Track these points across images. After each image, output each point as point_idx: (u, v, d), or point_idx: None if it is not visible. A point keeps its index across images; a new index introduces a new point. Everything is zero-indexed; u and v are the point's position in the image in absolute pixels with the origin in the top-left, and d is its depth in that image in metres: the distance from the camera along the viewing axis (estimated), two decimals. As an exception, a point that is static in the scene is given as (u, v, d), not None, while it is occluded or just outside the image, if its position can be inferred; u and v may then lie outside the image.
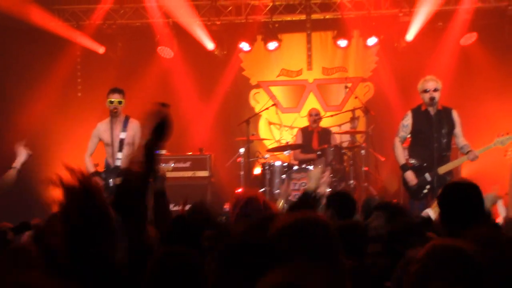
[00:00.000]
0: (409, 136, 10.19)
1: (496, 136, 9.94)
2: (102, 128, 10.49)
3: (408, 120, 10.00)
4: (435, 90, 9.71)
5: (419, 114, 9.92)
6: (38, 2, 13.76)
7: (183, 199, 8.03)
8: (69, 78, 14.85)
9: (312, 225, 3.23)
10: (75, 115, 14.33)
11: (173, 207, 11.80)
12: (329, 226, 3.28)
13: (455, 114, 9.92)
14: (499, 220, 7.53)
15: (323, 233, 3.21)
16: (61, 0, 14.67)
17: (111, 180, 10.39)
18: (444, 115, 9.81)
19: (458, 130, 9.90)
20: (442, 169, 9.71)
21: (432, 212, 7.69)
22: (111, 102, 10.23)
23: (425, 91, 9.73)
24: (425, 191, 9.74)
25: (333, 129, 14.04)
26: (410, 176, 9.78)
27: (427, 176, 9.69)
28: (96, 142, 10.57)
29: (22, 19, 13.44)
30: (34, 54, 14.52)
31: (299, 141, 13.36)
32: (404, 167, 9.91)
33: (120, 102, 10.27)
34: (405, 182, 9.91)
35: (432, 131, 9.72)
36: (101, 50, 14.78)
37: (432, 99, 9.66)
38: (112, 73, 14.10)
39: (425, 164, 9.81)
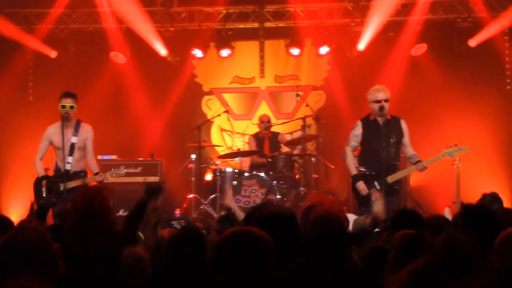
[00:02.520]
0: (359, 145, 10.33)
1: (444, 147, 10.09)
2: (53, 131, 10.46)
3: (358, 130, 10.11)
4: (386, 100, 9.84)
5: (369, 124, 10.04)
6: (-11, 5, 13.65)
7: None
8: (20, 82, 14.72)
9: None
10: (26, 119, 14.22)
11: (122, 213, 11.89)
12: None
13: (403, 124, 10.05)
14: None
15: None
16: (13, 3, 14.50)
17: (61, 184, 10.36)
18: (393, 124, 9.93)
19: (406, 139, 10.03)
20: (391, 178, 9.82)
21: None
22: (63, 107, 10.20)
23: (377, 101, 9.83)
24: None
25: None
26: (361, 186, 9.84)
27: (376, 184, 9.79)
28: (46, 146, 10.55)
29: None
30: (-15, 57, 14.43)
31: (253, 147, 13.43)
32: (356, 177, 9.99)
33: (72, 107, 10.24)
34: (354, 190, 9.98)
35: (381, 141, 9.82)
36: (53, 54, 14.66)
37: (382, 109, 9.78)
38: (64, 77, 13.97)
39: (374, 173, 9.91)
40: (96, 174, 10.65)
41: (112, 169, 11.37)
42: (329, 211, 4.84)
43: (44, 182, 10.42)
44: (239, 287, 3.11)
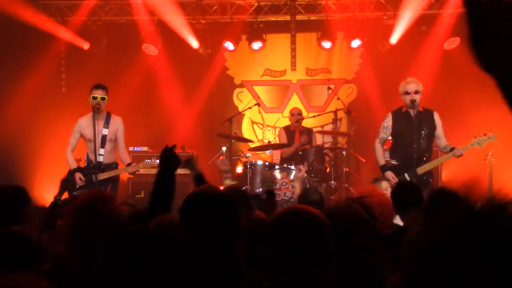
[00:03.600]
0: (390, 138, 10.28)
1: (473, 137, 10.01)
2: (84, 123, 10.53)
3: (388, 122, 10.09)
4: (416, 92, 9.78)
5: (399, 116, 10.01)
6: (23, -3, 13.76)
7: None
8: (53, 74, 14.84)
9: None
10: (59, 110, 14.31)
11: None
12: None
13: (436, 116, 9.99)
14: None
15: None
16: (46, -5, 14.66)
17: (93, 176, 10.44)
18: (425, 116, 9.89)
19: (439, 131, 9.96)
20: (420, 169, 9.77)
21: None
22: (94, 98, 10.25)
23: (407, 93, 9.80)
24: (405, 191, 9.77)
25: (316, 130, 14.08)
26: (390, 175, 9.82)
27: (406, 176, 9.75)
28: (77, 138, 10.63)
29: (6, 14, 13.40)
30: (19, 49, 14.53)
31: (284, 140, 13.35)
32: (384, 168, 9.99)
33: (103, 99, 10.30)
34: (384, 180, 9.95)
35: (412, 132, 9.78)
36: (85, 46, 14.77)
37: (413, 101, 9.74)
38: (96, 69, 14.06)
39: (404, 165, 9.88)
40: (128, 165, 10.70)
41: (145, 160, 11.39)
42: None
43: (76, 174, 10.50)
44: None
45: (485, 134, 9.98)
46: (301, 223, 3.00)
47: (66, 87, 15.14)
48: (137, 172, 11.33)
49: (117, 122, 10.60)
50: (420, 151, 9.80)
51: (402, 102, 10.03)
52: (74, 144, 10.68)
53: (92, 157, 10.54)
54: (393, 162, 10.11)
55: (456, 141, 10.33)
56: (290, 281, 2.90)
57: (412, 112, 9.85)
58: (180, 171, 12.85)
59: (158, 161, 11.29)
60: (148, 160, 11.32)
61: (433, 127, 9.93)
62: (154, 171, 11.94)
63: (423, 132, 9.85)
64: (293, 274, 2.90)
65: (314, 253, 2.92)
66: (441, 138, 10.01)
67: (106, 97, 10.35)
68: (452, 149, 9.79)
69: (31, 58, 14.34)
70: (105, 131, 10.49)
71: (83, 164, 10.83)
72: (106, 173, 10.45)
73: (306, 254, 2.90)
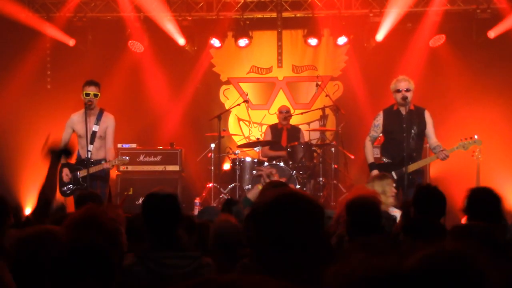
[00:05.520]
0: (381, 135, 10.34)
1: (459, 140, 10.07)
2: (76, 119, 10.48)
3: (379, 120, 10.13)
4: (407, 90, 9.83)
5: (391, 114, 10.05)
6: (8, -8, 13.65)
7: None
8: (38, 70, 14.71)
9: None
10: (44, 107, 14.24)
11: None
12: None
13: (427, 115, 10.04)
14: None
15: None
16: (31, -9, 14.55)
17: (78, 172, 10.40)
18: (416, 115, 9.93)
19: (429, 130, 10.01)
20: (410, 168, 9.81)
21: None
22: (87, 95, 10.19)
23: (398, 91, 9.85)
24: (392, 189, 9.81)
25: (302, 127, 14.11)
26: (376, 173, 9.86)
27: (393, 174, 9.78)
28: (70, 133, 10.57)
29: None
30: (3, 45, 14.43)
31: (268, 138, 13.39)
32: (372, 166, 10.03)
33: (95, 95, 10.24)
34: (372, 178, 9.99)
35: (402, 131, 9.81)
36: (71, 42, 14.64)
37: (404, 99, 9.79)
38: (82, 66, 13.96)
39: (393, 163, 9.92)
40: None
41: (119, 156, 11.32)
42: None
43: (64, 170, 10.46)
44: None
45: (471, 138, 10.05)
46: (294, 208, 2.85)
47: (51, 84, 15.05)
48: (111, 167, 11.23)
49: (108, 119, 10.55)
50: (410, 150, 9.81)
51: (389, 99, 10.11)
52: (67, 139, 10.56)
53: (82, 153, 10.50)
54: (384, 159, 10.16)
55: (440, 138, 10.41)
56: (278, 266, 2.77)
57: (403, 110, 9.89)
58: (170, 167, 12.97)
59: (127, 158, 11.20)
60: (123, 157, 11.25)
61: (423, 126, 9.98)
62: (142, 168, 11.98)
63: (413, 130, 9.88)
64: (282, 260, 2.77)
65: (305, 239, 2.80)
66: (432, 137, 10.06)
67: (99, 93, 10.29)
68: (438, 152, 9.86)
69: (16, 54, 14.24)
70: (95, 128, 10.44)
71: (73, 161, 10.75)
72: (91, 168, 10.36)
73: (296, 240, 2.78)
